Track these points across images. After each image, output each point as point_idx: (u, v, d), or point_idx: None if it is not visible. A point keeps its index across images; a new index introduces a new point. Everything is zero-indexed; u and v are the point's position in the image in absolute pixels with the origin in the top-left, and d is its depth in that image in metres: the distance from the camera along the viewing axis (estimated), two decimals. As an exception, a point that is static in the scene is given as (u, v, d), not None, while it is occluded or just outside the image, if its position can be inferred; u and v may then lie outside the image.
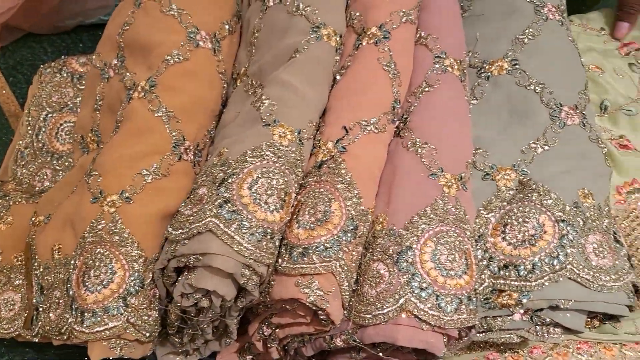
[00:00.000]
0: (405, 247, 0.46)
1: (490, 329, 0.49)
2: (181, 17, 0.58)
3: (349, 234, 0.46)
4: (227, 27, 0.61)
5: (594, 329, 0.52)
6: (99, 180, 0.52)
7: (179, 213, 0.48)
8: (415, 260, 0.46)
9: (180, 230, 0.45)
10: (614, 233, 0.50)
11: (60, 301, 0.51)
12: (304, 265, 0.45)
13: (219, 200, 0.45)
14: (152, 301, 0.50)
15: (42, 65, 0.72)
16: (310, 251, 0.45)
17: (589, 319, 0.50)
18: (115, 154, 0.53)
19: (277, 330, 0.51)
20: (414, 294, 0.44)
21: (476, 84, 0.58)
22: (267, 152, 0.47)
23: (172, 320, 0.50)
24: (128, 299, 0.48)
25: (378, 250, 0.47)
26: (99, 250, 0.49)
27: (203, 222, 0.44)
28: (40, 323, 0.52)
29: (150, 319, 0.50)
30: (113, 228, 0.49)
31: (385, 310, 0.44)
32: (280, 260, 0.46)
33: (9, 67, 0.79)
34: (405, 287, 0.45)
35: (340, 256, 0.45)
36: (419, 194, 0.49)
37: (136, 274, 0.49)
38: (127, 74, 0.58)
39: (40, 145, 0.67)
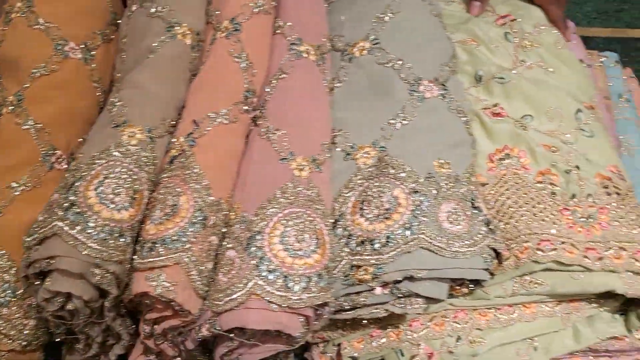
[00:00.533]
0: (254, 232, 0.47)
1: (356, 307, 0.50)
2: (48, 30, 0.59)
3: (198, 225, 0.47)
4: (100, 36, 0.62)
5: (468, 297, 0.52)
6: None
7: (35, 221, 0.49)
8: (263, 244, 0.46)
9: (32, 237, 0.46)
10: (472, 199, 0.50)
11: None
12: (151, 259, 0.45)
13: (65, 204, 0.46)
14: (27, 310, 0.51)
15: None
16: (157, 245, 0.46)
17: (457, 287, 0.51)
18: None
19: (155, 326, 0.52)
20: (262, 277, 0.45)
21: (340, 67, 0.58)
22: (115, 153, 0.48)
23: (51, 326, 0.51)
24: None
25: (231, 238, 0.48)
26: None
27: (49, 226, 0.45)
28: None
29: (25, 328, 0.51)
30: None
31: (234, 296, 0.45)
32: (135, 257, 0.47)
33: None
34: (254, 271, 0.45)
35: (187, 247, 0.46)
36: (270, 179, 0.49)
37: (7, 284, 0.50)
38: (1, 91, 0.59)
39: None
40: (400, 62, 0.56)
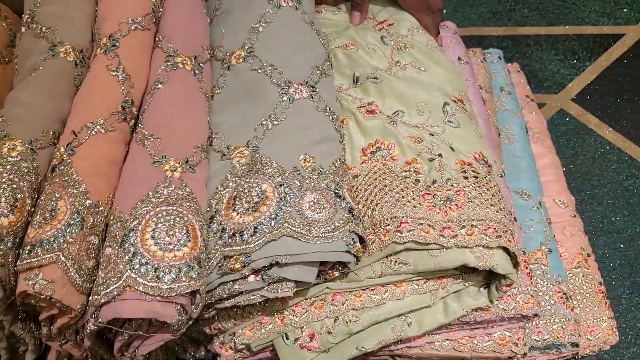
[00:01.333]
0: (128, 229, 0.50)
1: (233, 295, 0.53)
2: None
3: (75, 227, 0.50)
4: (-1, 57, 0.66)
5: (343, 280, 0.56)
6: None
7: None
8: (136, 241, 0.50)
9: None
10: (335, 190, 0.55)
11: None
12: (29, 260, 0.49)
13: None
14: None
15: None
16: (36, 246, 0.49)
17: (329, 270, 0.55)
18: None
19: (51, 326, 0.54)
20: (134, 270, 0.48)
21: (220, 75, 0.62)
22: None
23: None
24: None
25: (109, 237, 0.52)
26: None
27: None
28: None
29: None
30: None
31: (110, 289, 0.48)
32: (17, 261, 0.50)
33: None
34: (127, 265, 0.49)
35: (64, 247, 0.49)
36: (143, 180, 0.53)
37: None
38: None
39: None
40: (271, 68, 0.60)
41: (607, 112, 0.90)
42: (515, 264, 0.54)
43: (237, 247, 0.51)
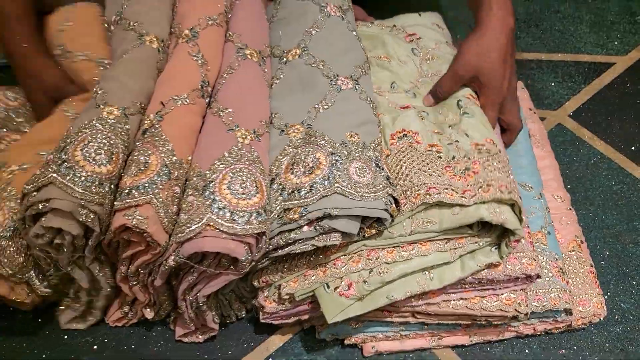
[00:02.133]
0: (208, 181, 0.62)
1: (289, 243, 0.64)
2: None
3: (164, 177, 0.61)
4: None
5: (378, 238, 0.67)
6: None
7: (33, 174, 0.62)
8: (215, 190, 0.61)
9: (30, 186, 0.60)
10: (376, 161, 0.66)
11: None
12: (128, 200, 0.60)
13: (58, 162, 0.60)
14: (19, 247, 0.64)
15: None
16: (133, 190, 0.60)
17: (367, 228, 0.66)
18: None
19: (130, 267, 0.65)
20: (214, 212, 0.59)
21: (278, 68, 0.75)
22: (97, 124, 0.63)
23: (41, 263, 0.64)
24: None
25: (190, 188, 0.63)
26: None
27: (45, 177, 0.59)
28: None
29: (16, 260, 0.65)
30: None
31: (193, 227, 0.59)
32: (115, 202, 0.61)
33: None
34: (208, 208, 0.60)
35: (156, 192, 0.60)
36: (219, 144, 0.65)
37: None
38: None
39: None
40: (322, 63, 0.73)
41: (599, 128, 1.02)
42: (521, 221, 0.65)
43: (296, 202, 0.62)
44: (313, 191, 0.62)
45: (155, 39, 0.72)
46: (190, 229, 0.59)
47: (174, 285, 0.69)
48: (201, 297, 0.66)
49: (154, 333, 0.78)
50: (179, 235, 0.60)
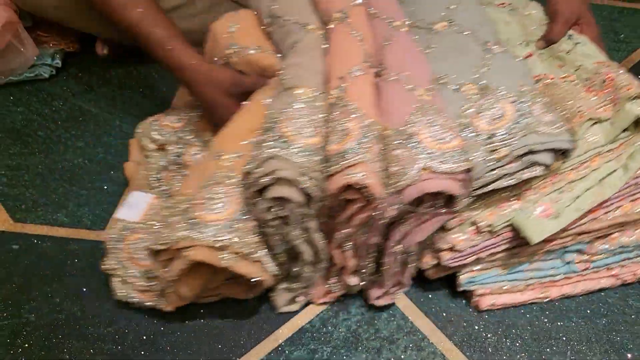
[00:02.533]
0: (409, 134, 0.71)
1: (495, 180, 0.75)
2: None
3: (365, 138, 0.70)
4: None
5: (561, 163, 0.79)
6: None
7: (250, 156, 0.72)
8: (419, 139, 0.71)
9: (251, 164, 0.69)
10: (546, 103, 0.79)
11: None
12: (343, 162, 0.68)
13: (273, 139, 0.70)
14: (251, 228, 0.73)
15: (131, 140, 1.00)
16: (344, 154, 0.69)
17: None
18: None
19: (348, 229, 0.73)
20: (425, 158, 0.69)
21: (427, 39, 0.86)
22: (294, 104, 0.73)
23: (271, 240, 0.73)
24: None
25: (393, 143, 0.72)
26: None
27: (264, 154, 0.68)
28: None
29: (251, 240, 0.73)
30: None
31: (411, 173, 0.68)
32: (329, 168, 0.69)
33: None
34: (418, 156, 0.69)
35: (365, 151, 0.69)
36: (406, 102, 0.75)
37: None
38: None
39: None
40: (469, 32, 0.85)
41: None
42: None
43: (499, 143, 0.74)
44: (513, 132, 0.74)
45: (316, 28, 0.84)
46: (408, 174, 0.68)
47: (380, 245, 0.78)
48: (413, 244, 0.76)
49: (171, 323, 0.85)
50: (398, 184, 0.68)
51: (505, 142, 0.73)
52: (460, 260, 0.82)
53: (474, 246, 0.81)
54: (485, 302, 0.86)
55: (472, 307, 0.87)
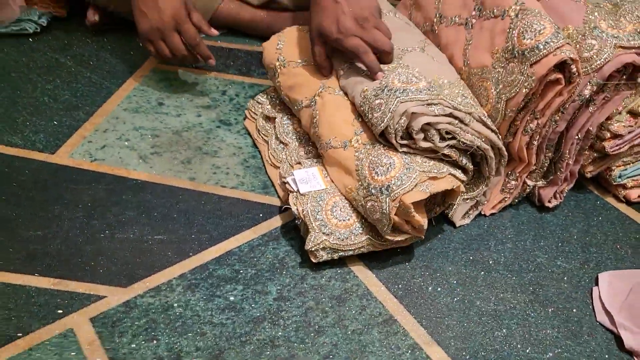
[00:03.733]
0: (591, 27, 0.85)
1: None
2: None
3: (558, 32, 0.80)
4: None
5: None
6: None
7: None
8: (602, 29, 0.84)
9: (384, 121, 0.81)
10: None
11: None
12: (552, 44, 0.79)
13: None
14: None
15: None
16: (546, 41, 0.79)
17: None
18: None
19: (541, 119, 0.83)
20: (613, 39, 0.82)
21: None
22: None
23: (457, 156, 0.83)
24: None
25: (580, 36, 0.85)
26: None
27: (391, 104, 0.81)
28: None
29: None
30: None
31: (608, 51, 0.81)
32: (534, 55, 0.80)
33: None
34: (607, 40, 0.82)
35: (562, 37, 0.80)
36: (577, 9, 0.88)
37: None
38: None
39: None
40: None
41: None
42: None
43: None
44: None
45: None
46: (606, 53, 0.81)
47: (560, 138, 0.88)
48: (594, 127, 0.86)
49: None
50: (595, 63, 0.81)
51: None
52: (620, 147, 0.91)
53: (631, 132, 0.91)
54: (634, 194, 0.98)
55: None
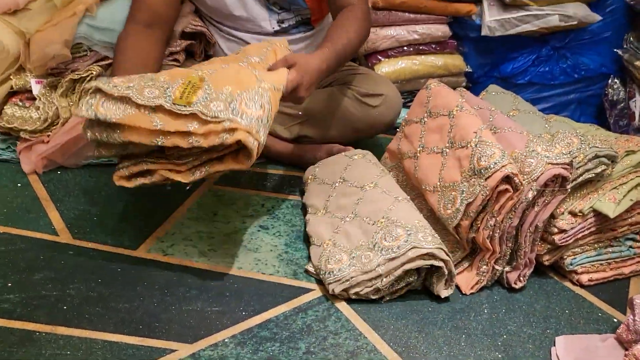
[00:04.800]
0: (530, 151, 1.19)
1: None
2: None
3: (505, 155, 1.18)
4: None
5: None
6: None
7: None
8: (538, 151, 1.18)
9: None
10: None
11: None
12: (499, 163, 1.13)
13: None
14: None
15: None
16: (495, 161, 1.13)
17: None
18: None
19: (496, 217, 1.11)
20: (545, 158, 1.16)
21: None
22: None
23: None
24: None
25: (522, 157, 1.18)
26: None
27: None
28: None
29: None
30: None
31: (540, 167, 1.14)
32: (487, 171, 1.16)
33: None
34: (541, 159, 1.16)
35: (507, 158, 1.14)
36: (521, 139, 1.21)
37: None
38: None
39: None
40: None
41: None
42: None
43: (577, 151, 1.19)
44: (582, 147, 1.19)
45: None
46: (539, 168, 1.12)
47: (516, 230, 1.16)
48: (542, 222, 1.15)
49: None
50: (533, 174, 1.12)
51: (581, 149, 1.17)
52: (567, 240, 1.19)
53: (573, 228, 1.18)
54: (584, 278, 1.25)
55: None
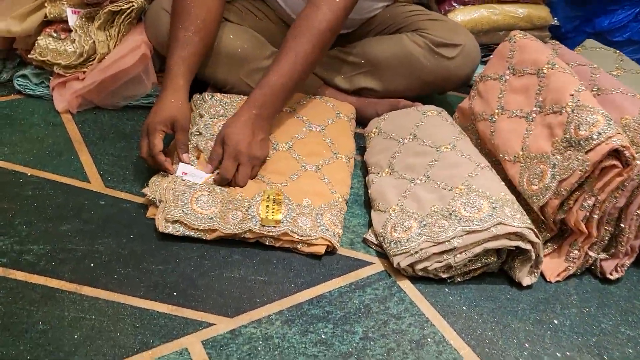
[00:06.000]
0: None
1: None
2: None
3: (611, 121, 0.96)
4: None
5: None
6: None
7: None
8: None
9: None
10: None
11: None
12: (605, 133, 0.93)
13: None
14: None
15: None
16: (599, 131, 0.94)
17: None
18: None
19: (597, 197, 0.94)
20: None
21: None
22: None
23: None
24: None
25: (635, 126, 1.01)
26: None
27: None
28: None
29: None
30: None
31: None
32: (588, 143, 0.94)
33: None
34: None
35: (614, 127, 0.94)
36: (634, 102, 1.04)
37: None
38: None
39: None
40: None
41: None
42: None
43: None
44: None
45: None
46: None
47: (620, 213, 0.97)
48: None
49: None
50: None
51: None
52: None
53: None
54: None
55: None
